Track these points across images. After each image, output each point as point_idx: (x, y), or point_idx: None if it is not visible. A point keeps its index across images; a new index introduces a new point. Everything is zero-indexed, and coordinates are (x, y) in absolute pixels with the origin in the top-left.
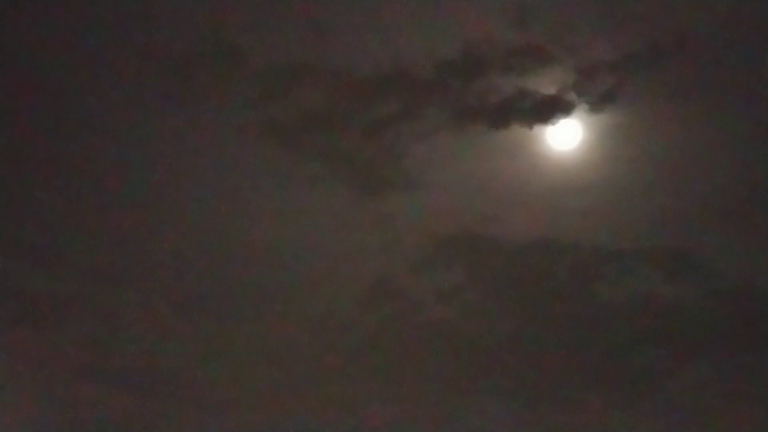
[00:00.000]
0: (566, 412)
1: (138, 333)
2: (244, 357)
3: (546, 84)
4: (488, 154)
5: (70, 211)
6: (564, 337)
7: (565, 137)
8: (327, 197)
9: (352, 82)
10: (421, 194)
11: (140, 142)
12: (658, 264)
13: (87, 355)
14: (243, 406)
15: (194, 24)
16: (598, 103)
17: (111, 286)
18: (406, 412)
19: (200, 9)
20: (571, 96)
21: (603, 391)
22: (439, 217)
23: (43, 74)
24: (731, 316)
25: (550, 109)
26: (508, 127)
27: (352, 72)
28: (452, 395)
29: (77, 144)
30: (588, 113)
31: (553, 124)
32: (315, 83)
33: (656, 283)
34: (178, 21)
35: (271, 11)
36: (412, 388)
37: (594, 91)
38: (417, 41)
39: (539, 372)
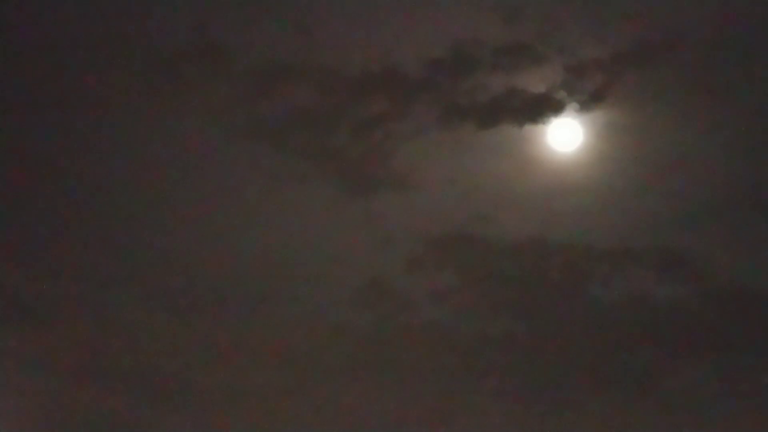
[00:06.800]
0: (560, 412)
1: (131, 335)
2: (236, 358)
3: (535, 83)
4: (478, 154)
5: (61, 212)
6: (557, 337)
7: (556, 136)
8: (316, 197)
9: (340, 80)
10: (411, 194)
11: (126, 142)
12: (650, 264)
13: (82, 357)
14: (236, 407)
15: (180, 22)
16: (588, 102)
17: (103, 287)
18: (399, 412)
19: (186, 7)
20: (561, 95)
21: (597, 391)
22: (430, 216)
23: (28, 73)
24: (725, 316)
25: (540, 108)
26: (498, 127)
27: (340, 70)
28: (446, 395)
29: (64, 144)
30: (578, 112)
31: (543, 123)
32: (303, 82)
33: (649, 283)
34: (163, 19)
35: (259, 9)
36: (406, 389)
37: (584, 89)
38: (405, 40)
39: (533, 372)
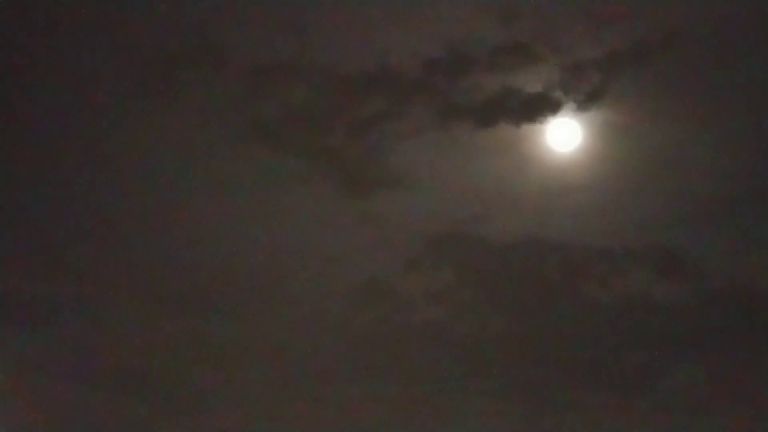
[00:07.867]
0: (557, 411)
1: (128, 335)
2: (234, 358)
3: (532, 82)
4: (476, 153)
5: (61, 213)
6: (554, 336)
7: (554, 136)
8: (313, 197)
9: (337, 80)
10: (408, 193)
11: (124, 142)
12: (647, 264)
13: (81, 357)
14: (233, 406)
15: (178, 23)
16: (585, 101)
17: (103, 288)
18: (397, 412)
19: (184, 8)
20: (558, 94)
21: (594, 390)
22: (427, 216)
23: (28, 76)
24: (722, 315)
25: (538, 107)
26: (495, 126)
27: (337, 70)
28: (443, 395)
29: (63, 146)
30: (575, 112)
31: (540, 122)
32: (300, 82)
33: (646, 282)
34: (161, 20)
35: (255, 10)
36: (403, 389)
37: (581, 89)
38: (402, 39)
39: (530, 372)
